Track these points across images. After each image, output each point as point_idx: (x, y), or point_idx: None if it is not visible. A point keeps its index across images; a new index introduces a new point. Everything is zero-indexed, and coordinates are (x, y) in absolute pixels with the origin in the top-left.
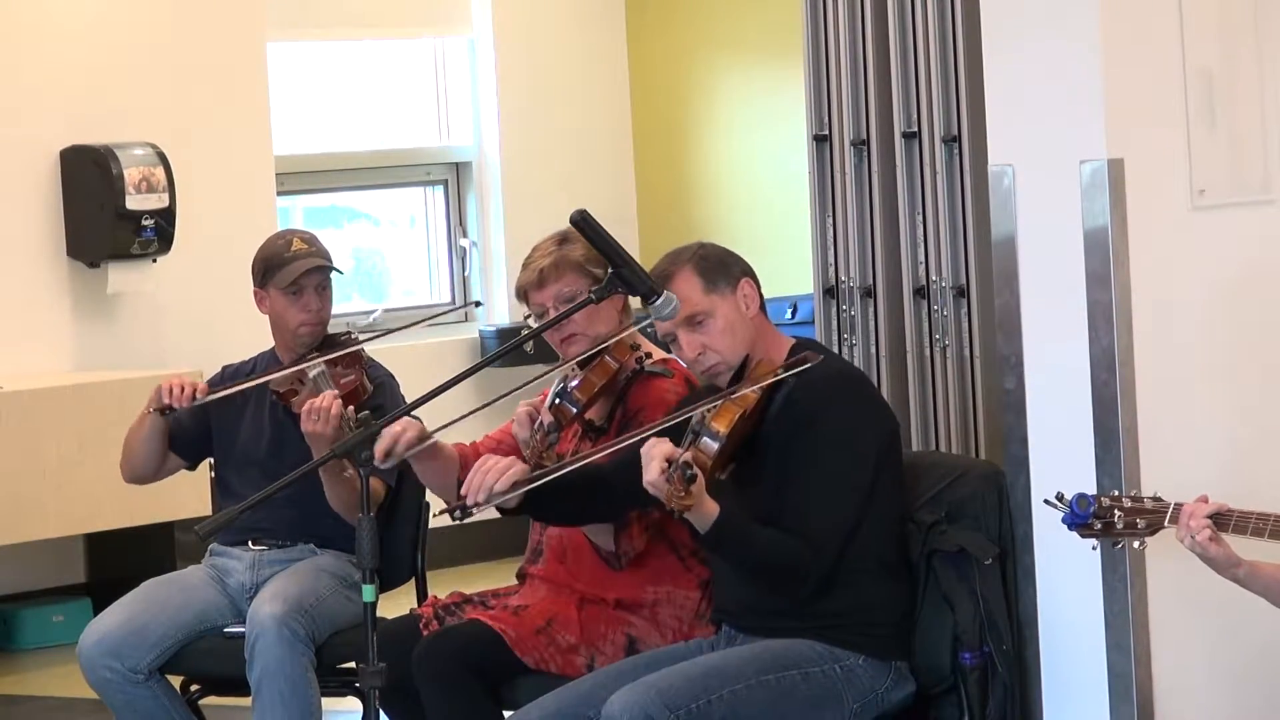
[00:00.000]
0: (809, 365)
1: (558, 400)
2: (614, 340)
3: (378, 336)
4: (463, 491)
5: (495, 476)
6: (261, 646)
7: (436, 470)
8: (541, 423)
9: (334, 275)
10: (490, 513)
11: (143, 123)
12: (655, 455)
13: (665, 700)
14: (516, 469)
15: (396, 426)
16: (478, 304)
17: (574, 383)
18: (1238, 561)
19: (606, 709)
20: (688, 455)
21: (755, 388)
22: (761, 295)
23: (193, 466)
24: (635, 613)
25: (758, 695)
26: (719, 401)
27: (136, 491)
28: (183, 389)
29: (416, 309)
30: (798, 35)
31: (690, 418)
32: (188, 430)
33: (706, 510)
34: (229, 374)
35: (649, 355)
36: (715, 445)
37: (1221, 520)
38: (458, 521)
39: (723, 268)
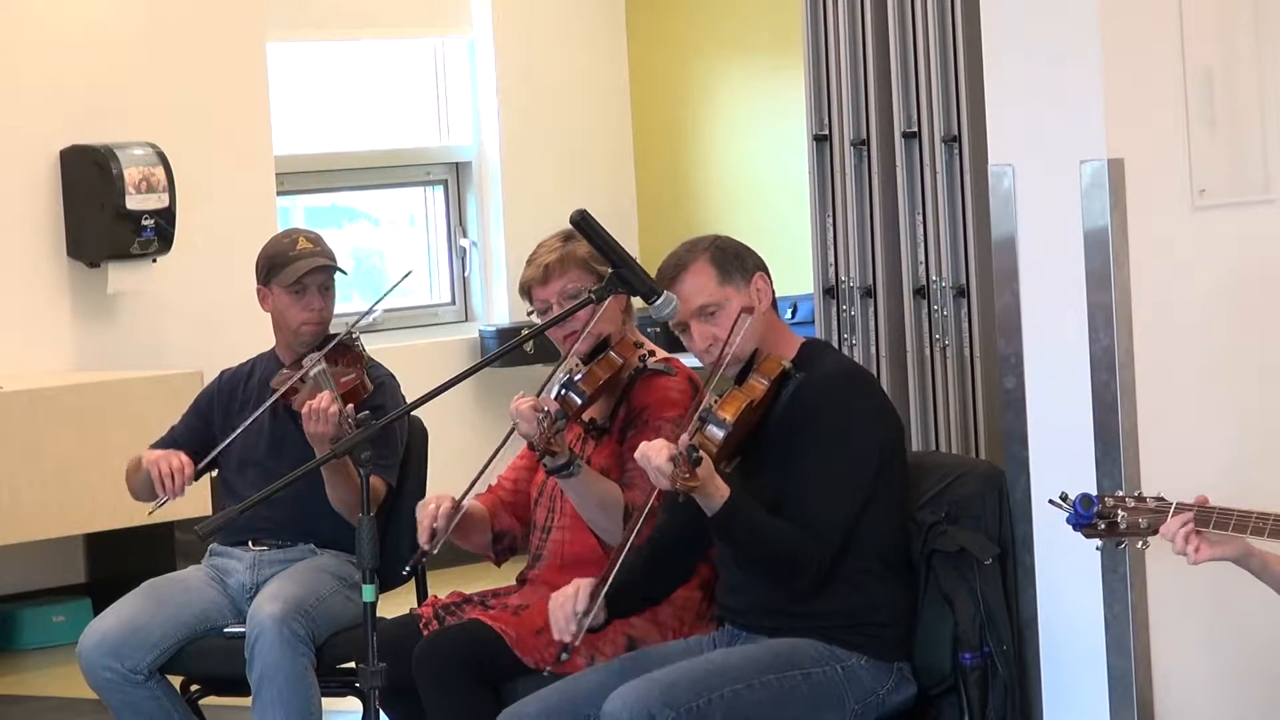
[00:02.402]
0: (816, 362)
1: (564, 391)
2: (606, 321)
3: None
4: (555, 638)
5: (570, 602)
6: (261, 646)
7: (473, 531)
8: (548, 411)
9: (337, 276)
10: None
11: (143, 123)
12: (659, 444)
13: (666, 698)
14: (582, 585)
15: (430, 505)
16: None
17: (579, 375)
18: (1250, 552)
19: (608, 705)
20: (694, 440)
21: (763, 380)
22: (774, 291)
23: (197, 478)
24: (635, 613)
25: (759, 695)
26: (726, 391)
27: None
28: (172, 477)
29: (416, 309)
30: (798, 35)
31: (698, 406)
32: (192, 452)
33: (715, 491)
34: (226, 379)
35: (652, 353)
36: (721, 433)
37: (1220, 519)
38: (565, 660)
39: (738, 261)
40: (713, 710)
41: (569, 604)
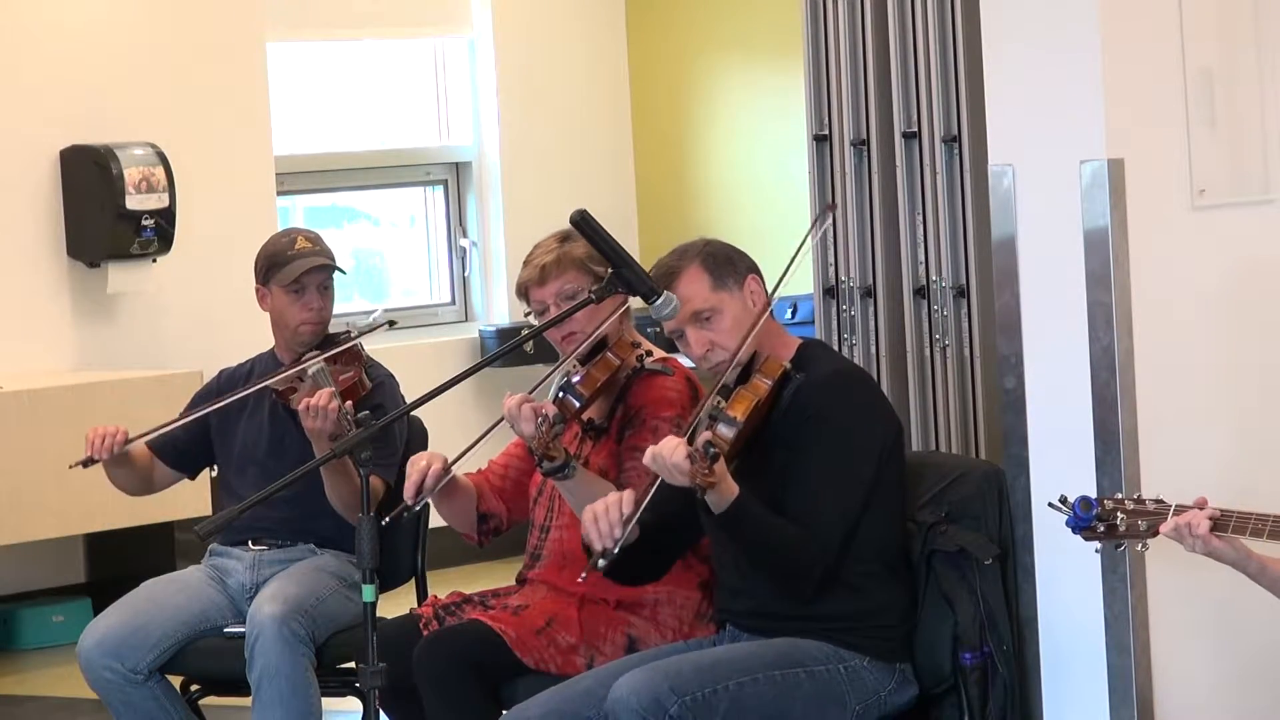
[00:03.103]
0: (815, 363)
1: (561, 394)
2: (607, 324)
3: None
4: (597, 546)
5: (616, 508)
6: (261, 646)
7: (458, 503)
8: (546, 415)
9: (336, 275)
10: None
11: (143, 123)
12: (672, 441)
13: (673, 685)
14: (624, 495)
15: (422, 461)
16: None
17: (576, 378)
18: (1249, 555)
19: (614, 690)
20: (709, 436)
21: (766, 380)
22: (767, 292)
23: (193, 477)
24: (635, 613)
25: (763, 690)
26: (733, 391)
27: None
28: (103, 440)
29: (416, 309)
30: (798, 35)
31: (701, 409)
32: (180, 444)
33: (727, 489)
34: (225, 379)
35: (649, 353)
36: (732, 431)
37: (1221, 522)
38: (603, 567)
39: (729, 264)
40: (718, 700)
41: (614, 510)
